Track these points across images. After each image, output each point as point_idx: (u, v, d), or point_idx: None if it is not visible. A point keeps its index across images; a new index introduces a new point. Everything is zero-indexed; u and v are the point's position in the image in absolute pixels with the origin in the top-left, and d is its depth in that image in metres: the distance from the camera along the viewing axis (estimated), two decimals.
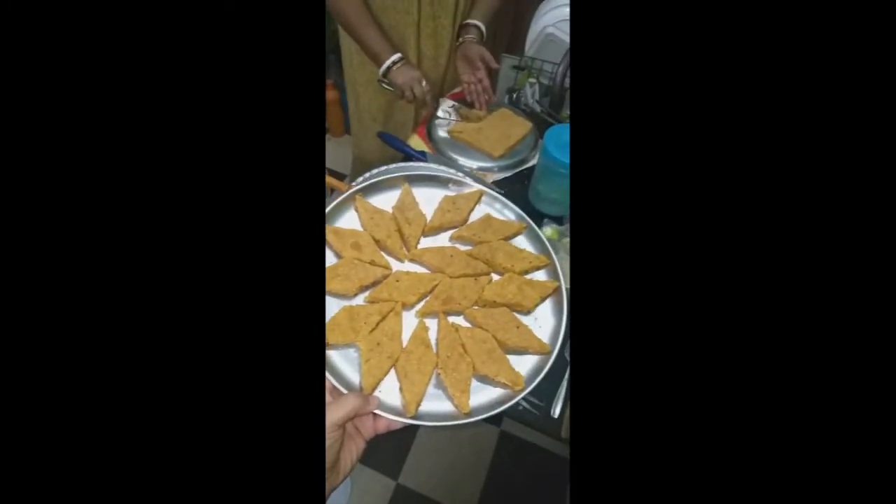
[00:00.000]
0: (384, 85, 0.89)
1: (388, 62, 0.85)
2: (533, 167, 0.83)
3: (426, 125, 0.92)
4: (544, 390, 0.64)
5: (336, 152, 1.82)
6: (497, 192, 0.82)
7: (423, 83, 0.86)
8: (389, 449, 1.17)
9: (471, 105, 0.92)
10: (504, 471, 1.17)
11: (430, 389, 0.44)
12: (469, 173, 0.81)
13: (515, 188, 0.85)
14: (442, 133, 0.91)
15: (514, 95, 0.99)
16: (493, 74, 0.93)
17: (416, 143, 0.92)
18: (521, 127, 0.90)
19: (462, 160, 0.87)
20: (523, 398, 0.64)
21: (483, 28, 0.91)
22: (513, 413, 0.64)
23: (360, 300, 0.47)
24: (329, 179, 0.80)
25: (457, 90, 0.91)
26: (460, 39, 0.91)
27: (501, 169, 0.86)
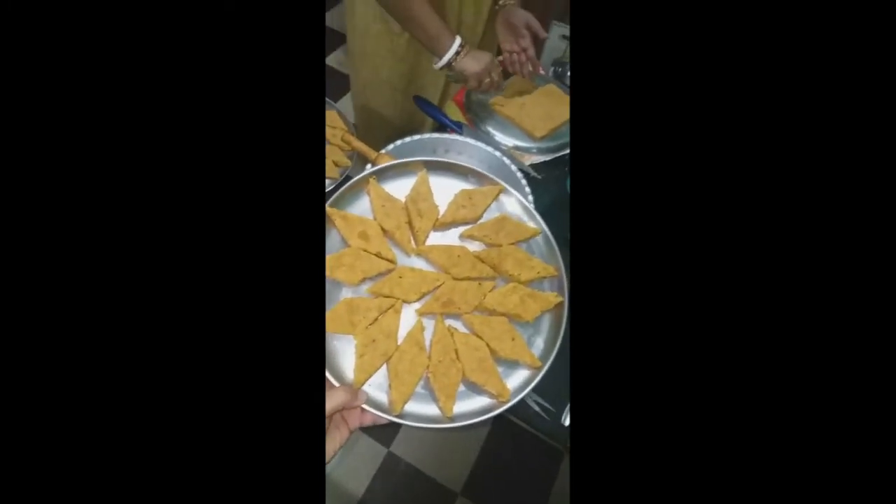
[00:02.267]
0: (448, 74, 0.78)
1: (453, 49, 0.72)
2: None
3: (465, 93, 0.87)
4: (557, 397, 0.64)
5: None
6: (533, 174, 0.79)
7: (497, 63, 0.76)
8: None
9: (508, 76, 0.84)
10: (495, 452, 1.18)
11: (418, 390, 0.45)
12: (505, 152, 0.77)
13: (553, 174, 0.80)
14: (481, 101, 0.85)
15: (561, 69, 0.91)
16: (539, 44, 0.84)
17: (453, 111, 0.87)
18: (568, 108, 0.83)
19: (499, 136, 0.83)
20: (535, 402, 0.65)
21: None
22: (523, 416, 0.65)
23: (362, 290, 0.48)
24: (358, 144, 0.78)
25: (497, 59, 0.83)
26: (500, 3, 0.81)
27: (541, 151, 0.81)
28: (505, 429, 1.20)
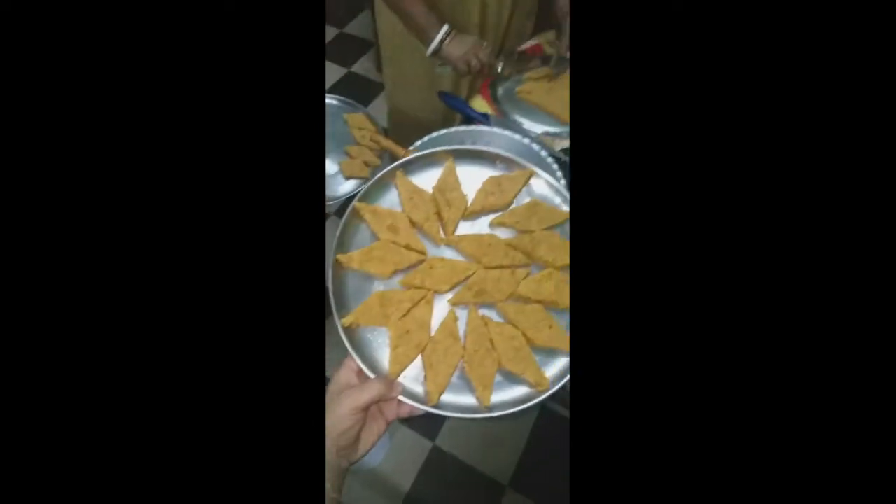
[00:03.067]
0: (437, 64, 0.79)
1: (438, 37, 0.75)
2: None
3: (490, 84, 0.85)
4: None
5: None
6: (564, 159, 0.76)
7: (484, 45, 0.76)
8: None
9: (545, 62, 0.83)
10: (542, 443, 1.16)
11: (454, 380, 0.44)
12: (535, 139, 0.75)
13: None
14: (508, 90, 0.84)
15: None
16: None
17: (479, 104, 0.86)
18: None
19: (528, 124, 0.81)
20: None
21: None
22: (568, 404, 0.62)
23: (394, 282, 0.47)
24: (387, 142, 0.78)
25: (528, 44, 0.81)
26: None
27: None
28: (551, 418, 1.18)
